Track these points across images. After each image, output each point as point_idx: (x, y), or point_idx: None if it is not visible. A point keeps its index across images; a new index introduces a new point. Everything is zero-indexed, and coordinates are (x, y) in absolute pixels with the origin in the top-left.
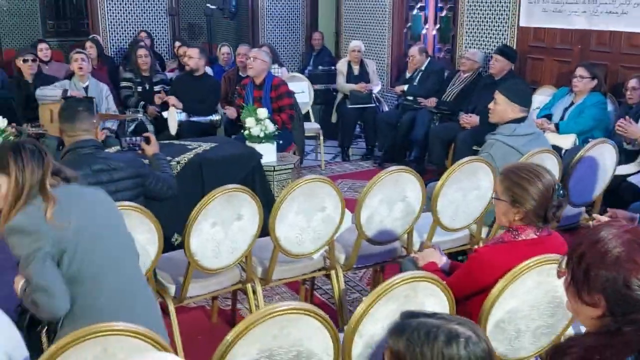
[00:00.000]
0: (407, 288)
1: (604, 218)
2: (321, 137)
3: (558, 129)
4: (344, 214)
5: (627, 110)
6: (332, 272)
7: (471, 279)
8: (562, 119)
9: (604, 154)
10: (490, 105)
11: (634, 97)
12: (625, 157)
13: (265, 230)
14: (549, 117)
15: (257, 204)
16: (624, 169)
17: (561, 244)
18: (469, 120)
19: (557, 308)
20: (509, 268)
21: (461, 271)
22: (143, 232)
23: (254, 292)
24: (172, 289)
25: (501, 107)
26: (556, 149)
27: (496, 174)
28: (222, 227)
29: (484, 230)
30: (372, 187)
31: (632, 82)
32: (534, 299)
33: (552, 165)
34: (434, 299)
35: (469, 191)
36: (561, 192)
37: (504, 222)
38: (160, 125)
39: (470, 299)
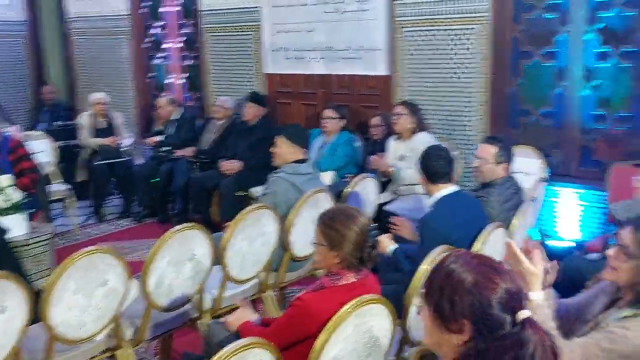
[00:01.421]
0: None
1: None
2: (71, 199)
3: (318, 168)
4: (130, 284)
5: (374, 146)
6: (119, 353)
7: (295, 328)
8: (318, 158)
9: (367, 188)
10: (273, 149)
11: (378, 133)
12: (380, 187)
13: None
14: None
15: (24, 290)
16: (380, 198)
17: (376, 282)
18: (230, 166)
19: (373, 347)
20: (332, 314)
21: (283, 320)
22: None
23: None
24: None
25: (282, 149)
26: None
27: (280, 218)
28: None
29: (272, 277)
30: (159, 249)
31: (375, 120)
32: (353, 341)
33: (325, 203)
34: None
35: (254, 239)
36: (374, 232)
37: (323, 266)
38: None
39: (290, 348)
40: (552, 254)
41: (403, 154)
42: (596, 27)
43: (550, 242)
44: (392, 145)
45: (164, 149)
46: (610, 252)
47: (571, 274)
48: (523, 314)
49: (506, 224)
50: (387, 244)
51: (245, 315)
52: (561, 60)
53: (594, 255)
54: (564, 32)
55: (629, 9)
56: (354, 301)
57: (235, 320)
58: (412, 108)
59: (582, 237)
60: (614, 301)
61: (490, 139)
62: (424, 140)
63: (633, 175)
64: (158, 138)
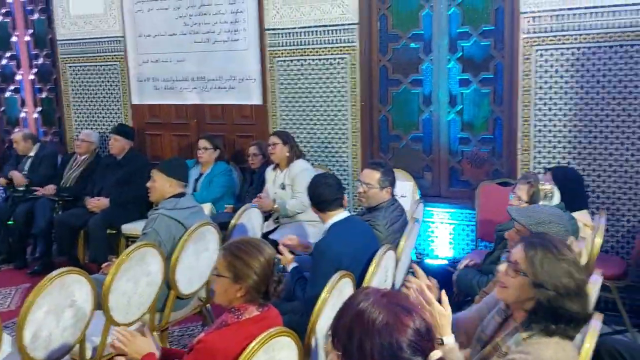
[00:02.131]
0: None
1: None
2: None
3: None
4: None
5: (252, 175)
6: None
7: None
8: (194, 190)
9: (252, 218)
10: (149, 184)
11: (255, 162)
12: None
13: None
14: None
15: None
16: (264, 228)
17: (277, 315)
18: (97, 203)
19: None
20: (238, 352)
21: None
22: None
23: None
24: None
25: (159, 184)
26: None
27: (164, 256)
28: None
29: (157, 317)
30: (36, 298)
31: (252, 149)
32: None
33: (212, 236)
34: None
35: (139, 279)
36: (281, 266)
37: (224, 301)
38: None
39: None
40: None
41: (283, 183)
42: (457, 55)
43: (428, 261)
44: (271, 175)
45: (21, 188)
46: (500, 267)
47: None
48: (435, 355)
49: (394, 245)
50: (290, 259)
51: (147, 346)
52: (427, 87)
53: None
54: (428, 61)
55: (484, 39)
56: (261, 336)
57: (136, 352)
58: (286, 137)
59: (454, 254)
60: (505, 319)
61: (373, 164)
62: (301, 167)
63: (498, 193)
64: (19, 176)
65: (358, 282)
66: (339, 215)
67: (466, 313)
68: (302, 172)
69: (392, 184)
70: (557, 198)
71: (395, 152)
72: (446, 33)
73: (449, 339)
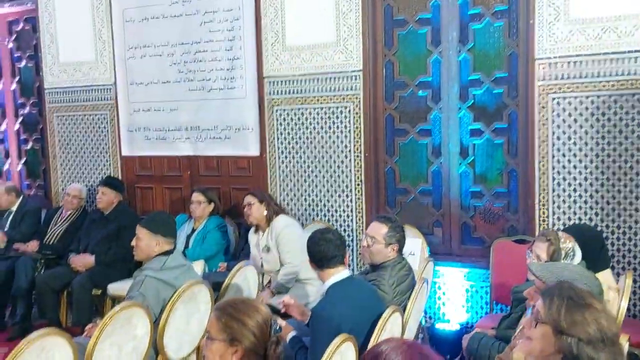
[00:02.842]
0: None
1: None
2: None
3: (186, 257)
4: None
5: (248, 230)
6: None
7: None
8: (186, 247)
9: (247, 278)
10: (133, 242)
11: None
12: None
13: None
14: None
15: None
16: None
17: None
18: (82, 261)
19: None
20: None
21: None
22: None
23: None
24: None
25: (144, 242)
26: None
27: (152, 318)
28: None
29: None
30: None
31: (249, 199)
32: None
33: (203, 297)
34: None
35: (125, 343)
36: (278, 327)
37: None
38: None
39: None
40: (440, 339)
41: (267, 245)
42: (468, 104)
43: (439, 325)
44: (253, 238)
45: (1, 245)
46: (524, 322)
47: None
48: None
49: (401, 308)
50: (289, 330)
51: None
52: (436, 137)
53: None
54: (437, 109)
55: (497, 86)
56: None
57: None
58: (261, 195)
59: (467, 319)
60: None
61: (381, 218)
62: (284, 224)
63: (515, 251)
64: None
65: (361, 347)
66: (340, 274)
67: None
68: (285, 228)
69: (400, 242)
70: (578, 257)
71: (403, 207)
72: (456, 80)
73: None
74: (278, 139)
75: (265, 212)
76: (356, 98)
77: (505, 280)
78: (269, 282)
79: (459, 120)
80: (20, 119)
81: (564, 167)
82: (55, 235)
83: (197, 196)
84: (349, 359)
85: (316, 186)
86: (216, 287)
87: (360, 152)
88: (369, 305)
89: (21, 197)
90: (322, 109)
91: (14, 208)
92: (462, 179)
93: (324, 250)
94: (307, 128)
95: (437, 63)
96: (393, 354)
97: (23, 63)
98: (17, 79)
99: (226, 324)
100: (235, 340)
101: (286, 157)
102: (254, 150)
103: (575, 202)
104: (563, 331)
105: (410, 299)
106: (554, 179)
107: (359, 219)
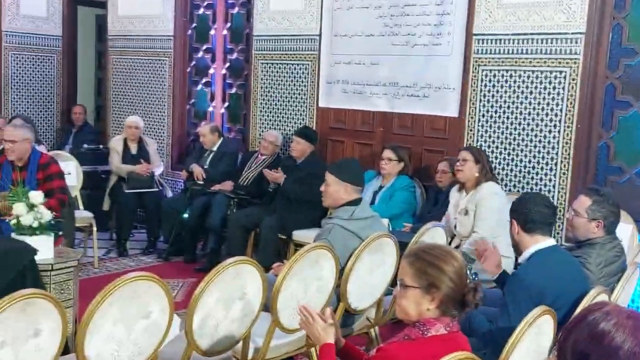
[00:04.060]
0: None
1: None
2: (94, 228)
3: None
4: (172, 320)
5: (437, 194)
6: None
7: None
8: (372, 203)
9: (435, 239)
10: (322, 188)
11: (444, 181)
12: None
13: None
14: None
15: (61, 313)
16: None
17: (466, 341)
18: (276, 175)
19: None
20: None
21: None
22: None
23: None
24: None
25: (333, 188)
26: None
27: (338, 263)
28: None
29: None
30: (209, 283)
31: (442, 166)
32: None
33: (390, 250)
34: None
35: (310, 283)
36: (474, 273)
37: (412, 316)
38: None
39: None
40: None
41: (466, 207)
42: None
43: None
44: (455, 196)
45: (199, 182)
46: None
47: None
48: None
49: (608, 290)
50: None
51: (325, 334)
52: None
53: None
54: None
55: None
56: (450, 356)
57: (314, 337)
58: (478, 154)
59: None
60: None
61: (588, 190)
62: (490, 191)
63: None
64: (197, 169)
65: (560, 323)
66: (546, 242)
67: None
68: (491, 195)
69: (607, 218)
70: None
71: (615, 187)
72: None
73: None
74: (481, 101)
75: (476, 174)
76: (574, 63)
77: None
78: (458, 247)
79: None
80: (227, 64)
81: None
82: (249, 177)
83: (388, 153)
84: (545, 333)
85: (517, 155)
86: (400, 248)
87: (572, 122)
88: (574, 279)
89: (222, 139)
90: (533, 72)
91: (215, 148)
92: None
93: (538, 214)
94: (514, 92)
95: None
96: (620, 335)
97: (236, 10)
98: (228, 25)
99: (422, 270)
100: (432, 287)
101: (487, 121)
102: (452, 111)
103: None
104: None
105: (620, 283)
106: None
107: (561, 196)
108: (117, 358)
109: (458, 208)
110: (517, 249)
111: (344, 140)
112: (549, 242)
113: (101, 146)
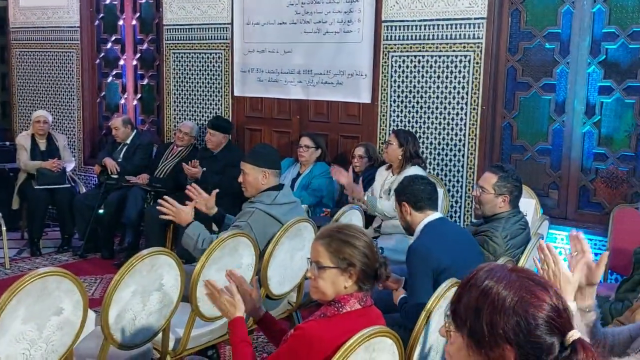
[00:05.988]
0: None
1: None
2: (3, 228)
3: None
4: (87, 315)
5: (355, 179)
6: None
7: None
8: (291, 190)
9: (352, 221)
10: (240, 178)
11: (360, 165)
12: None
13: None
14: None
15: None
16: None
17: (380, 315)
18: (194, 170)
19: None
20: (338, 344)
21: (283, 352)
22: None
23: None
24: None
25: (252, 176)
26: None
27: (258, 249)
28: None
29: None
30: (124, 275)
31: (358, 150)
32: None
33: (309, 235)
34: None
35: None
36: (380, 248)
37: (329, 295)
38: None
39: None
40: None
41: (390, 188)
42: (599, 59)
43: None
44: (382, 175)
45: (114, 176)
46: None
47: None
48: (573, 335)
49: (513, 261)
50: (399, 294)
51: (238, 307)
52: (561, 94)
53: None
54: (564, 64)
55: (633, 42)
56: (364, 331)
57: (224, 312)
58: (404, 139)
59: None
60: None
61: (493, 167)
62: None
63: (637, 219)
64: (110, 162)
65: None
66: (433, 215)
67: (615, 329)
68: None
69: (512, 193)
70: None
71: (518, 165)
72: (588, 33)
73: (571, 305)
74: (391, 87)
75: (399, 157)
76: (478, 47)
77: (625, 248)
78: (379, 226)
79: (587, 76)
80: (138, 55)
81: None
82: (166, 170)
83: (305, 140)
84: None
85: (427, 138)
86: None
87: (477, 105)
88: (466, 245)
89: (135, 131)
90: (440, 57)
91: (128, 141)
92: (586, 139)
93: (423, 192)
94: (422, 77)
95: (568, 14)
96: (504, 288)
97: None
98: (137, 15)
99: (338, 249)
100: (349, 265)
101: (398, 106)
102: (365, 98)
103: None
104: None
105: (524, 254)
106: None
107: (470, 175)
108: (29, 358)
109: (383, 188)
110: (409, 230)
111: (261, 128)
112: (437, 214)
113: (7, 143)
